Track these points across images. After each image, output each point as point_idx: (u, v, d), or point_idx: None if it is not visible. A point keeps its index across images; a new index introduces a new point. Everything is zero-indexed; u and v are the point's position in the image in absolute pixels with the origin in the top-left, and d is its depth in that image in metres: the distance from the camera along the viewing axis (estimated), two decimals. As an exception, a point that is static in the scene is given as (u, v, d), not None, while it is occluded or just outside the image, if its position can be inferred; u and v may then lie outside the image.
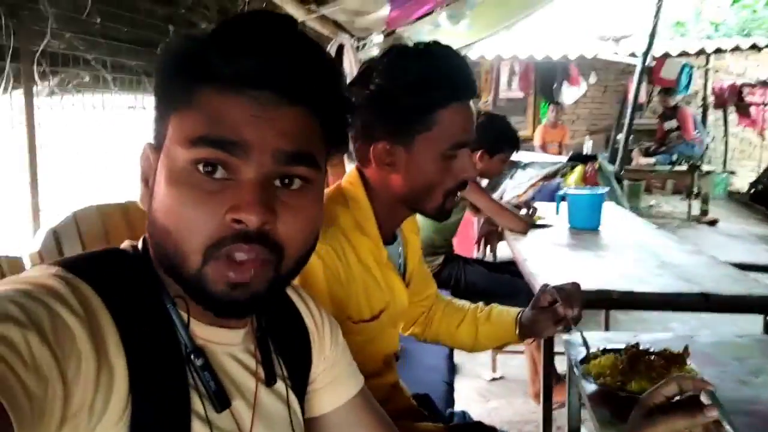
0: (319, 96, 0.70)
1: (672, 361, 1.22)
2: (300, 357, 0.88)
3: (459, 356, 3.68)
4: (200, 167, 0.64)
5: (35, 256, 1.17)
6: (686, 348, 1.26)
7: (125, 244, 0.74)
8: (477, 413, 3.03)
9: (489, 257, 3.40)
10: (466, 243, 3.90)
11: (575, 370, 1.28)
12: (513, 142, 3.03)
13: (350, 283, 1.18)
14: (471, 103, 1.22)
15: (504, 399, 3.24)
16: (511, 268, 2.86)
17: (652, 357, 1.22)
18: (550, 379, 2.15)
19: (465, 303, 1.60)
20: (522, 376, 3.36)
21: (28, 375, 0.51)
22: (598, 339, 1.47)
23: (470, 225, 4.17)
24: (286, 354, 0.84)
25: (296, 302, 0.90)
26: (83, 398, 0.56)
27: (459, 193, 1.24)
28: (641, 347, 1.30)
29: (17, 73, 1.43)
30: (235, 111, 0.65)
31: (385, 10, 3.36)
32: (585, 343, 1.34)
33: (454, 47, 1.20)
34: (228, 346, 0.76)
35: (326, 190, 1.28)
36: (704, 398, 0.83)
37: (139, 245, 0.74)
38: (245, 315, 0.75)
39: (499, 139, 2.97)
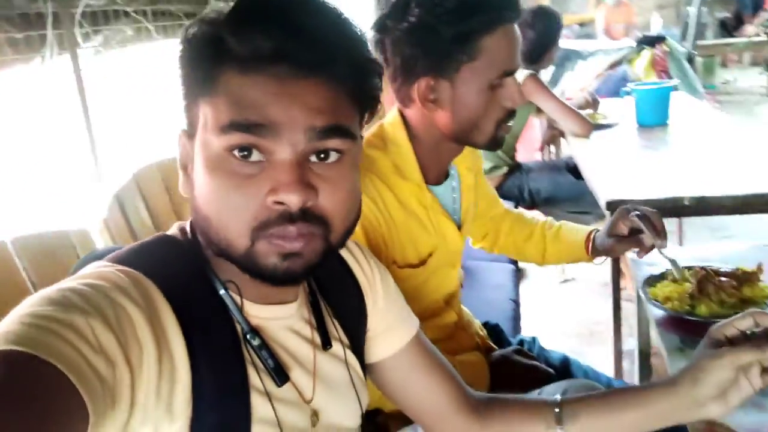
0: (340, 63, 0.67)
1: (743, 280, 1.18)
2: (355, 314, 0.89)
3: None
4: (235, 152, 0.64)
5: (101, 225, 1.22)
6: (759, 266, 1.21)
7: (173, 230, 0.76)
8: (548, 316, 3.10)
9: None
10: (530, 146, 3.81)
11: (641, 293, 1.26)
12: (560, 30, 3.03)
13: (391, 228, 1.17)
14: (515, 26, 1.15)
15: (575, 301, 3.25)
16: (574, 168, 2.79)
17: (722, 279, 1.18)
18: (618, 271, 2.12)
19: (534, 217, 1.58)
20: (593, 278, 3.35)
21: (97, 358, 0.53)
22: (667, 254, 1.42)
23: (533, 128, 4.05)
24: (341, 314, 0.86)
25: (346, 258, 0.90)
26: (148, 385, 0.59)
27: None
28: (712, 263, 1.26)
29: (60, 39, 1.43)
30: (257, 91, 0.64)
31: None
32: (676, 266, 1.27)
33: None
34: (283, 319, 0.77)
35: (367, 133, 1.25)
36: None
37: (188, 228, 0.75)
38: (300, 282, 0.77)
39: (548, 35, 2.95)
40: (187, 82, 0.69)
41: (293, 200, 0.63)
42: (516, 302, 2.00)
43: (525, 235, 1.53)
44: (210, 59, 0.66)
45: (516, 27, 1.15)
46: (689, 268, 1.25)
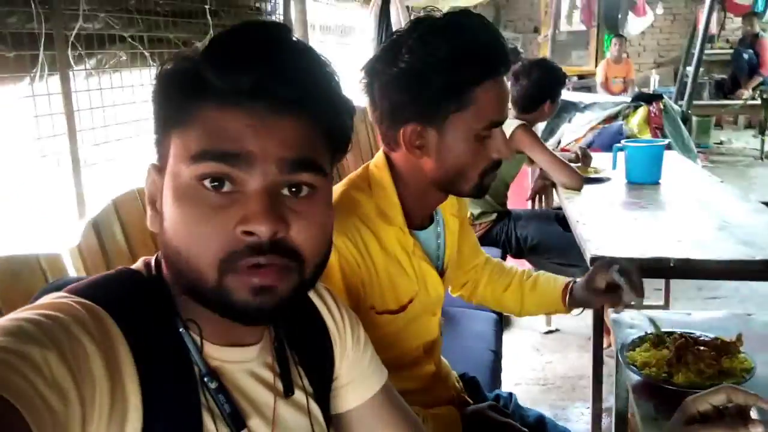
0: (316, 103, 0.68)
1: (723, 350, 1.17)
2: (321, 362, 0.87)
3: (513, 309, 3.66)
4: (206, 182, 0.64)
5: (74, 251, 1.19)
6: (739, 336, 1.19)
7: (138, 264, 0.74)
8: (530, 367, 3.07)
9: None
10: (520, 194, 3.81)
11: (620, 356, 1.24)
12: (562, 80, 2.96)
13: (371, 272, 1.15)
14: (504, 78, 1.15)
15: (559, 353, 3.21)
16: (563, 219, 2.78)
17: (701, 348, 1.16)
18: (600, 326, 2.10)
19: (512, 267, 1.57)
20: (578, 329, 3.33)
21: (51, 393, 0.52)
22: (649, 318, 1.41)
23: (525, 176, 4.06)
24: (306, 361, 0.83)
25: (316, 302, 0.88)
26: (99, 421, 0.57)
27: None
28: (692, 330, 1.25)
29: (52, 60, 1.43)
30: (233, 123, 0.64)
31: (432, -45, 3.21)
32: (655, 326, 1.29)
33: None
34: (244, 363, 0.75)
35: (351, 174, 1.25)
36: (754, 413, 0.78)
37: (152, 264, 0.73)
38: (271, 321, 0.76)
39: (555, 84, 2.89)
40: (159, 115, 0.69)
41: (263, 230, 0.63)
42: (496, 353, 1.98)
43: (503, 285, 1.52)
44: (185, 92, 0.66)
45: (504, 79, 1.15)
46: (669, 334, 1.23)
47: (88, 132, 1.56)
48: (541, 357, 3.18)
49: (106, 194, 1.35)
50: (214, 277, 0.64)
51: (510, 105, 2.97)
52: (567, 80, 3.09)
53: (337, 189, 1.20)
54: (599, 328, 2.08)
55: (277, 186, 0.65)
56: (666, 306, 3.34)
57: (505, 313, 2.07)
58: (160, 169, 0.70)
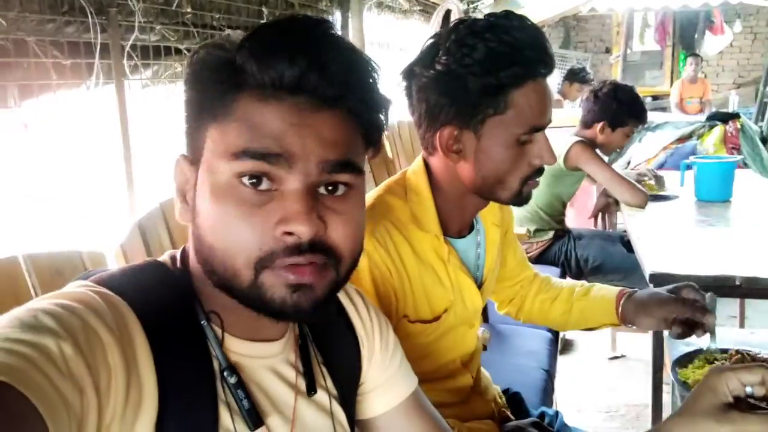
0: (357, 97, 0.68)
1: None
2: (348, 365, 0.85)
3: (575, 333, 3.54)
4: (245, 180, 0.63)
5: (118, 251, 1.22)
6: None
7: (165, 256, 0.75)
8: (594, 393, 2.94)
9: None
10: (584, 213, 3.70)
11: (671, 374, 1.16)
12: (639, 115, 2.77)
13: (404, 280, 1.12)
14: (548, 80, 1.11)
15: (624, 379, 3.08)
16: (628, 242, 2.67)
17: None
18: (660, 349, 1.98)
19: (564, 281, 1.50)
20: (645, 355, 3.17)
21: (65, 383, 0.52)
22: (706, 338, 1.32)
23: (588, 194, 3.94)
24: (332, 363, 0.82)
25: (345, 304, 0.87)
26: (114, 410, 0.57)
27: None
28: (750, 348, 1.16)
29: (108, 69, 1.48)
30: (275, 120, 0.64)
31: (493, -28, 3.19)
32: (712, 335, 1.15)
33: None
34: (266, 359, 0.74)
35: (389, 180, 1.23)
36: None
37: (178, 256, 0.73)
38: (309, 319, 0.76)
39: (622, 111, 2.72)
40: (194, 106, 0.69)
41: (305, 231, 0.62)
42: (549, 372, 1.89)
43: (552, 297, 1.45)
44: (222, 83, 0.65)
45: (547, 82, 1.10)
46: (724, 351, 1.15)
47: (142, 139, 1.61)
48: (605, 383, 3.06)
49: (154, 198, 1.38)
50: (250, 275, 0.64)
51: (577, 123, 2.89)
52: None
53: (373, 194, 1.18)
54: (659, 349, 1.98)
55: (316, 185, 0.65)
56: (741, 326, 3.15)
57: (554, 329, 1.98)
58: (192, 161, 0.69)
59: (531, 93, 1.07)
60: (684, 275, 1.67)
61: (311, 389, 0.77)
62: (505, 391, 1.44)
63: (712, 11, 8.21)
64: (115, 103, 1.52)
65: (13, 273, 1.06)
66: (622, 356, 3.30)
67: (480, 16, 3.68)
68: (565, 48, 9.38)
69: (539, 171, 1.13)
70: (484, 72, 1.04)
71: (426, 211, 1.16)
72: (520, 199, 1.15)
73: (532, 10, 4.44)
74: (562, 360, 3.06)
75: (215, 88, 0.65)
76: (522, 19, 1.07)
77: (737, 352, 1.12)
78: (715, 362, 1.12)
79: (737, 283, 1.70)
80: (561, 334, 2.74)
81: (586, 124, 2.79)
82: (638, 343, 3.24)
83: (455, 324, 1.21)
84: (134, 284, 0.67)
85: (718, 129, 4.93)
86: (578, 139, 2.69)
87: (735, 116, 5.03)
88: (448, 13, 3.47)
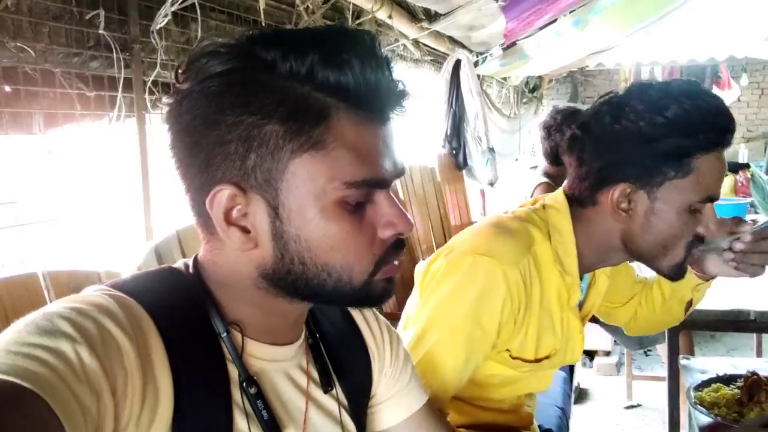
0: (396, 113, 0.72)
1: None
2: (359, 377, 0.85)
3: (590, 382, 3.49)
4: (350, 200, 0.67)
5: (134, 271, 1.24)
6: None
7: (179, 264, 0.75)
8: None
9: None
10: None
11: (687, 398, 1.15)
12: None
13: (525, 318, 1.10)
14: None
15: (640, 429, 3.01)
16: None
17: (776, 386, 1.06)
18: (675, 397, 1.95)
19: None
20: (661, 404, 3.11)
21: (82, 388, 0.52)
22: (721, 365, 1.31)
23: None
24: (343, 375, 0.82)
25: (356, 318, 0.88)
26: (131, 413, 0.57)
27: None
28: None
29: (130, 102, 1.53)
30: (372, 144, 0.67)
31: (501, 24, 3.28)
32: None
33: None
34: (282, 362, 0.75)
35: (523, 209, 1.21)
36: None
37: (190, 264, 0.73)
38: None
39: None
40: (271, 133, 0.64)
41: (408, 229, 0.70)
42: (564, 411, 1.86)
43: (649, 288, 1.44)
44: (304, 114, 0.64)
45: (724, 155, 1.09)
46: (739, 377, 1.14)
47: (159, 169, 1.65)
48: (620, 432, 2.99)
49: (171, 226, 1.41)
50: (363, 279, 0.69)
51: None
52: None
53: (510, 216, 1.17)
54: (675, 396, 1.94)
55: None
56: (759, 356, 3.09)
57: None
58: (242, 188, 0.66)
59: (714, 161, 1.06)
60: (698, 309, 1.66)
61: (327, 384, 0.78)
62: (539, 426, 1.43)
63: (719, 66, 8.33)
64: (136, 134, 1.57)
65: (32, 289, 1.08)
66: (638, 405, 3.23)
67: (492, 66, 3.75)
68: (573, 102, 9.51)
69: (700, 241, 1.11)
70: (676, 134, 1.03)
71: (569, 255, 1.14)
72: (680, 271, 1.12)
73: (539, 63, 4.52)
74: (577, 408, 3.01)
75: (298, 116, 0.64)
76: (701, 86, 1.08)
77: (752, 374, 1.11)
78: (732, 384, 1.11)
79: (752, 317, 1.69)
80: (575, 382, 2.69)
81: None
82: (654, 392, 3.19)
83: (547, 368, 1.21)
84: (149, 288, 0.67)
85: (729, 179, 4.97)
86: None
87: (745, 166, 5.08)
88: (458, 62, 3.55)
